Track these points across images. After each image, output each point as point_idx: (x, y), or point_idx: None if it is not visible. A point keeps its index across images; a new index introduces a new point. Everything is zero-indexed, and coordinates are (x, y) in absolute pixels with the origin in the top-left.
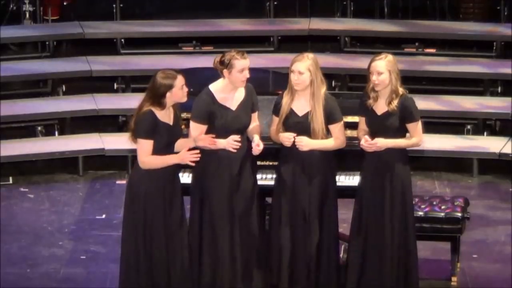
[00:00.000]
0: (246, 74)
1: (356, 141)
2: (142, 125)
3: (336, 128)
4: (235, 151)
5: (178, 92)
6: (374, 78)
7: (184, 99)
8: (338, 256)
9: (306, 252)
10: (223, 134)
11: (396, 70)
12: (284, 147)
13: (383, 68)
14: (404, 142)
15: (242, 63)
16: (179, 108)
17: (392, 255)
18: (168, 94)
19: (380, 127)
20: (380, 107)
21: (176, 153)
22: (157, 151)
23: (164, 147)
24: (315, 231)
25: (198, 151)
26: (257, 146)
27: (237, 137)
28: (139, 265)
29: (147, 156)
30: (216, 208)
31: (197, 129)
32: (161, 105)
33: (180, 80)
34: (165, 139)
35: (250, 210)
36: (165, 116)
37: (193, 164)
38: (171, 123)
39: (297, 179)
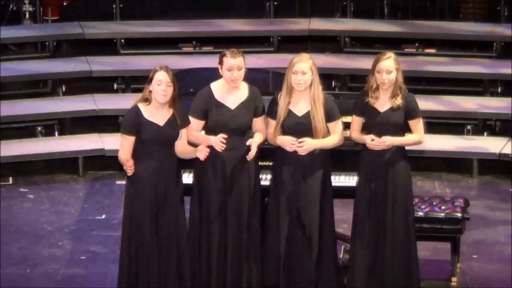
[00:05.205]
0: (234, 74)
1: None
2: (124, 121)
3: (335, 126)
4: (220, 150)
5: (154, 86)
6: (384, 77)
7: (161, 98)
8: (337, 257)
9: (306, 254)
10: (219, 132)
11: (399, 66)
12: (281, 148)
13: (393, 67)
14: (407, 140)
15: (230, 62)
16: (180, 111)
17: (394, 255)
18: (150, 87)
19: (382, 125)
20: (382, 105)
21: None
22: (140, 149)
23: (148, 146)
24: (315, 234)
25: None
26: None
27: (224, 136)
28: (135, 265)
29: (125, 152)
30: (208, 207)
31: (194, 124)
32: (147, 100)
33: (159, 75)
34: (149, 138)
35: (244, 210)
36: (156, 115)
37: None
38: (161, 123)
39: (297, 182)
